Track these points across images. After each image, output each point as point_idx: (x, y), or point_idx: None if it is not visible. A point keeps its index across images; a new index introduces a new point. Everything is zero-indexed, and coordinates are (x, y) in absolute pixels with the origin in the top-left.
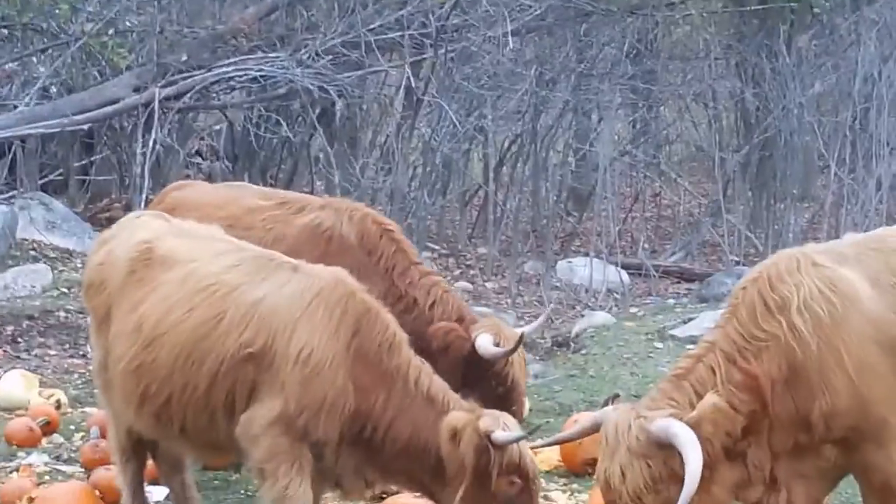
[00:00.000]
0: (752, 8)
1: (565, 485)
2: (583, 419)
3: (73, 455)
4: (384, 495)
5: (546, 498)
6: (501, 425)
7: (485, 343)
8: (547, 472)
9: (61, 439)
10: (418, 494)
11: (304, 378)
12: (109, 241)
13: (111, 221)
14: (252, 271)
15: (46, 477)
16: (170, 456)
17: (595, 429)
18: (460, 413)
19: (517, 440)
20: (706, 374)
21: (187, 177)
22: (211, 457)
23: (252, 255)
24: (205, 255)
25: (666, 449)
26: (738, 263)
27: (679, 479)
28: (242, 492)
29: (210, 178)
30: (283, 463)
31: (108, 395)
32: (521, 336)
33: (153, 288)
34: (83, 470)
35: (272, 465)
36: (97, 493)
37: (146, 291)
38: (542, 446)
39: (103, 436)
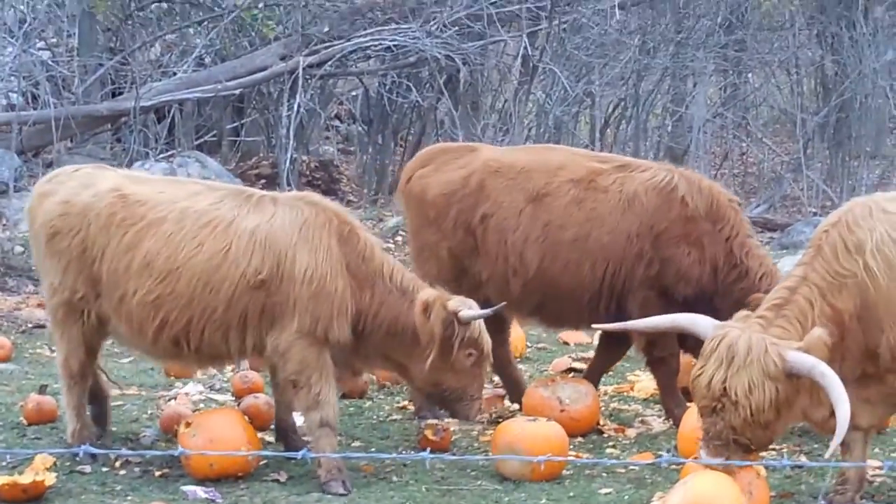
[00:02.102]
0: None
1: (660, 411)
2: (679, 319)
3: (224, 385)
4: (499, 419)
5: (643, 422)
6: (467, 306)
7: None
8: (644, 399)
9: (214, 371)
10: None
11: (313, 293)
12: (56, 191)
13: (259, 177)
14: (238, 205)
15: (201, 405)
16: None
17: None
18: (431, 290)
19: (478, 317)
20: (805, 305)
21: (326, 138)
22: (211, 368)
23: (228, 192)
24: (182, 195)
25: (794, 378)
26: (815, 214)
27: (791, 407)
28: (375, 418)
29: (347, 139)
30: (314, 372)
31: (79, 324)
32: None
33: (146, 228)
34: (234, 398)
35: (304, 375)
36: (246, 418)
37: (138, 231)
38: (613, 329)
39: (253, 368)
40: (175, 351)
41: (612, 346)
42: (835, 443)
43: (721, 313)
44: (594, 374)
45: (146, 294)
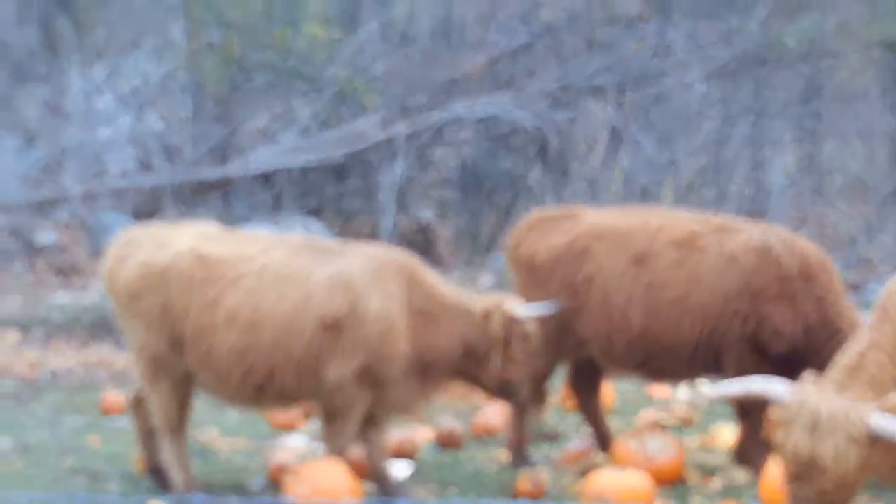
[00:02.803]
0: None
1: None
2: (754, 385)
3: None
4: (589, 469)
5: (726, 473)
6: (519, 305)
7: None
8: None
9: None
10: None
11: (380, 333)
12: (132, 255)
13: (360, 240)
14: (312, 257)
15: (306, 455)
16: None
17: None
18: (487, 299)
19: (532, 314)
20: (875, 369)
21: (424, 203)
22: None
23: (298, 244)
24: (256, 251)
25: (881, 441)
26: (888, 275)
27: (874, 466)
28: (471, 468)
29: (444, 205)
30: (355, 407)
31: (170, 378)
32: None
33: (228, 284)
34: None
35: (348, 408)
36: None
37: (221, 287)
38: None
39: None
40: (257, 397)
41: (587, 397)
42: None
43: (817, 367)
44: (601, 432)
45: (234, 345)
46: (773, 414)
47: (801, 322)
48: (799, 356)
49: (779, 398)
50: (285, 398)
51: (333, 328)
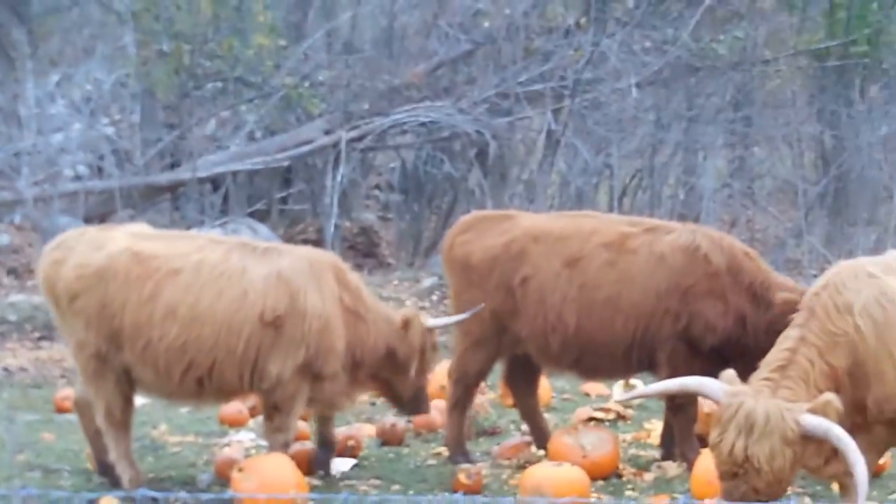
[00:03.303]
0: (832, 64)
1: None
2: (688, 383)
3: None
4: (527, 464)
5: (660, 467)
6: (432, 317)
7: None
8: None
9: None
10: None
11: (320, 328)
12: (67, 257)
13: (305, 242)
14: (248, 255)
15: (252, 450)
16: None
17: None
18: (406, 310)
19: (445, 325)
20: (806, 365)
21: (367, 206)
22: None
23: (231, 244)
24: (191, 249)
25: (812, 440)
26: (815, 276)
27: (804, 463)
28: (412, 464)
29: (386, 207)
30: (298, 401)
31: (111, 375)
32: None
33: (165, 280)
34: None
35: (290, 402)
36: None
37: (158, 283)
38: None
39: (303, 419)
40: (198, 392)
41: (524, 394)
42: (860, 500)
43: (756, 350)
44: (538, 428)
45: (174, 340)
46: (707, 410)
47: (734, 315)
48: (734, 345)
49: (714, 396)
50: (225, 393)
51: (273, 324)
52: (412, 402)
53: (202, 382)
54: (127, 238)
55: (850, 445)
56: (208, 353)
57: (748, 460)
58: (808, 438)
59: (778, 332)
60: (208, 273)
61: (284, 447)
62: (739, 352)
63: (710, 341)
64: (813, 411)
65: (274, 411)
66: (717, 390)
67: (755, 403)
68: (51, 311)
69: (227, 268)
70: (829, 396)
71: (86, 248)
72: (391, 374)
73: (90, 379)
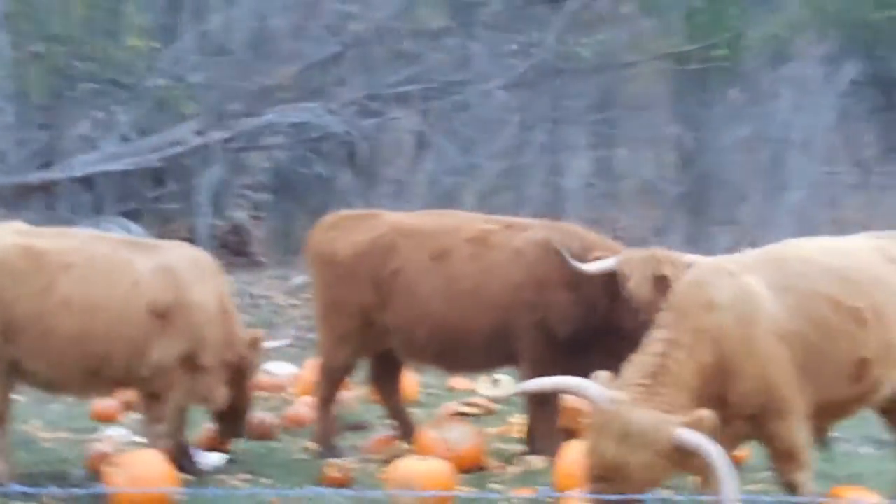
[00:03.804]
0: (692, 67)
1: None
2: (567, 383)
3: None
4: (393, 458)
5: (524, 460)
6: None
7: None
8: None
9: (138, 415)
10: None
11: (202, 321)
12: None
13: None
14: (133, 249)
15: (124, 446)
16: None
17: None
18: (251, 330)
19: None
20: (678, 367)
21: (239, 205)
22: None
23: (115, 238)
24: (78, 243)
25: (684, 452)
26: None
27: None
28: (282, 458)
29: (257, 206)
30: (177, 390)
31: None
32: None
33: (59, 271)
34: None
35: (169, 391)
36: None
37: (52, 277)
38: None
39: None
40: (90, 380)
41: (388, 390)
42: None
43: (609, 338)
44: (404, 423)
45: (69, 330)
46: (569, 405)
47: (585, 304)
48: (591, 336)
49: (591, 399)
50: (116, 383)
51: (162, 315)
52: (239, 422)
53: (96, 373)
54: (12, 234)
55: (720, 461)
56: (102, 344)
57: (621, 469)
58: (682, 451)
59: (631, 322)
60: (100, 265)
61: (162, 439)
62: (595, 341)
63: (564, 331)
64: (687, 426)
65: (152, 401)
66: (594, 394)
67: (631, 414)
68: None
69: (117, 260)
70: (703, 413)
71: None
72: (235, 384)
73: None
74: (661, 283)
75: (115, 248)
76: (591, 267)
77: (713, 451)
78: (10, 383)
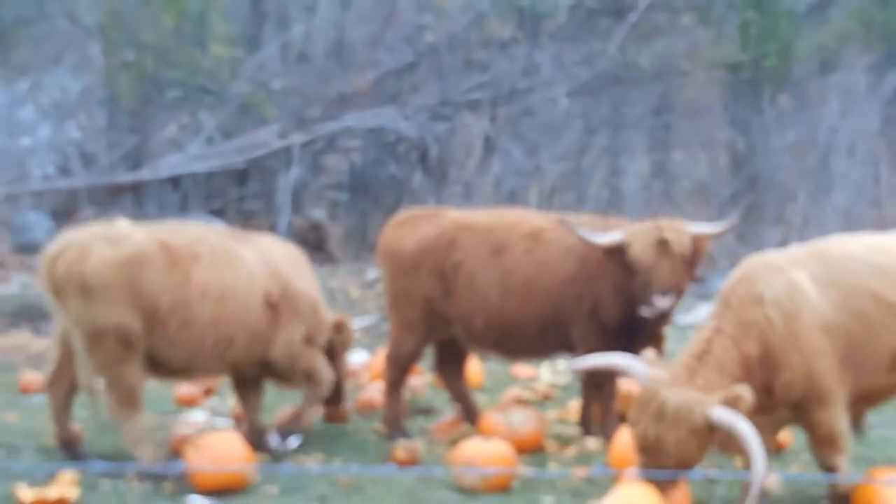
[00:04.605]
0: (744, 76)
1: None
2: (618, 362)
3: (226, 412)
4: (459, 440)
5: (581, 442)
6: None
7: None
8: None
9: (218, 400)
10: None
11: (310, 306)
12: (92, 250)
13: None
14: (237, 241)
15: (206, 428)
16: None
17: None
18: (337, 314)
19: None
20: (721, 353)
21: (317, 204)
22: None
23: (223, 232)
24: (198, 237)
25: (716, 429)
26: (728, 270)
27: (710, 442)
28: (355, 440)
29: (335, 206)
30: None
31: (135, 359)
32: None
33: (193, 264)
34: (234, 423)
35: (304, 366)
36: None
37: (187, 269)
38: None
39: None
40: (234, 365)
41: (453, 376)
42: (753, 492)
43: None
44: (468, 408)
45: (211, 316)
46: (624, 391)
47: (622, 294)
48: (631, 318)
49: (637, 378)
50: (233, 366)
51: (273, 304)
52: (339, 392)
53: (223, 356)
54: (143, 232)
55: (751, 438)
56: (238, 327)
57: (659, 444)
58: (716, 428)
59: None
60: (222, 257)
61: (319, 399)
62: (640, 326)
63: (611, 318)
64: (723, 404)
65: (288, 378)
66: (640, 373)
67: (669, 393)
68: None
69: (232, 254)
70: (741, 390)
71: (104, 244)
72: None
73: (111, 363)
74: (663, 247)
75: (224, 240)
76: (602, 239)
77: (745, 428)
78: (144, 372)
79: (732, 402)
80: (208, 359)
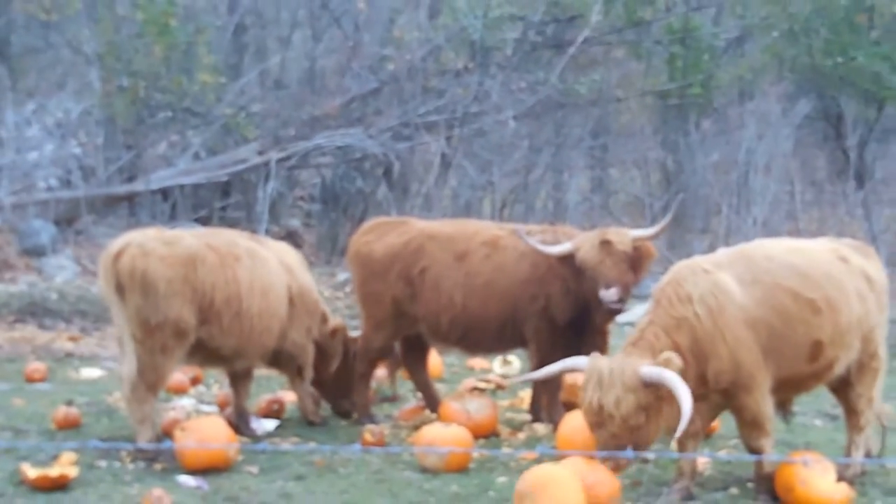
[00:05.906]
0: (672, 102)
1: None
2: (572, 364)
3: (211, 399)
4: (421, 425)
5: (531, 428)
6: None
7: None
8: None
9: (203, 388)
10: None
11: (312, 302)
12: (150, 252)
13: None
14: (256, 243)
15: (193, 413)
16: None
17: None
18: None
19: None
20: (653, 339)
21: (293, 214)
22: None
23: (243, 235)
24: (230, 239)
25: (650, 386)
26: (660, 274)
27: (658, 412)
28: (327, 425)
29: (308, 215)
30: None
31: (182, 350)
32: None
33: (236, 264)
34: (218, 409)
35: (302, 360)
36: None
37: (233, 267)
38: (521, 380)
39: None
40: (264, 353)
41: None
42: (682, 424)
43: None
44: (430, 396)
45: (259, 311)
46: (571, 379)
47: (573, 295)
48: (581, 315)
49: (581, 367)
50: (264, 355)
51: (291, 298)
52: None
53: (263, 344)
54: (189, 236)
55: (677, 381)
56: (271, 321)
57: (602, 409)
58: (649, 386)
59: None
60: (260, 260)
61: (308, 396)
62: (587, 322)
63: (561, 317)
64: (657, 365)
65: (291, 371)
66: (584, 364)
67: (605, 362)
68: (108, 299)
69: (267, 257)
70: (670, 354)
71: (158, 243)
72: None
73: (160, 353)
74: (607, 247)
75: (247, 242)
76: (553, 249)
77: (671, 376)
78: (182, 360)
79: (663, 364)
80: (254, 347)
